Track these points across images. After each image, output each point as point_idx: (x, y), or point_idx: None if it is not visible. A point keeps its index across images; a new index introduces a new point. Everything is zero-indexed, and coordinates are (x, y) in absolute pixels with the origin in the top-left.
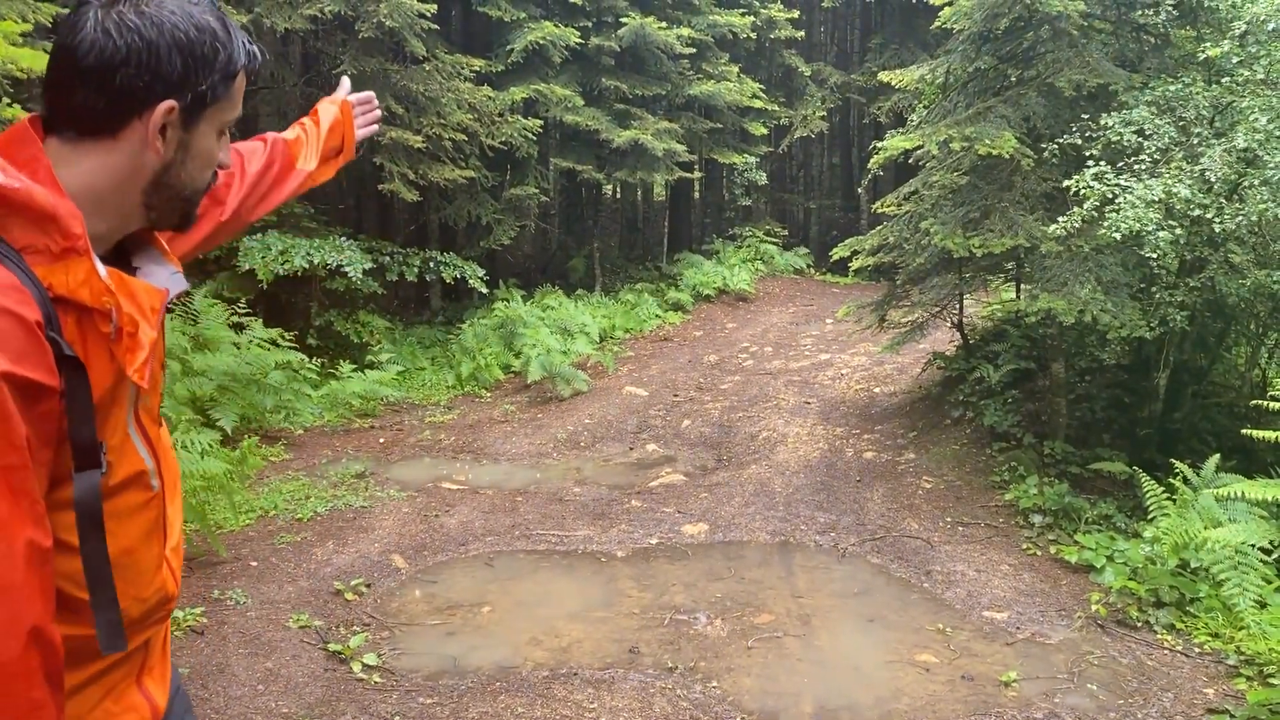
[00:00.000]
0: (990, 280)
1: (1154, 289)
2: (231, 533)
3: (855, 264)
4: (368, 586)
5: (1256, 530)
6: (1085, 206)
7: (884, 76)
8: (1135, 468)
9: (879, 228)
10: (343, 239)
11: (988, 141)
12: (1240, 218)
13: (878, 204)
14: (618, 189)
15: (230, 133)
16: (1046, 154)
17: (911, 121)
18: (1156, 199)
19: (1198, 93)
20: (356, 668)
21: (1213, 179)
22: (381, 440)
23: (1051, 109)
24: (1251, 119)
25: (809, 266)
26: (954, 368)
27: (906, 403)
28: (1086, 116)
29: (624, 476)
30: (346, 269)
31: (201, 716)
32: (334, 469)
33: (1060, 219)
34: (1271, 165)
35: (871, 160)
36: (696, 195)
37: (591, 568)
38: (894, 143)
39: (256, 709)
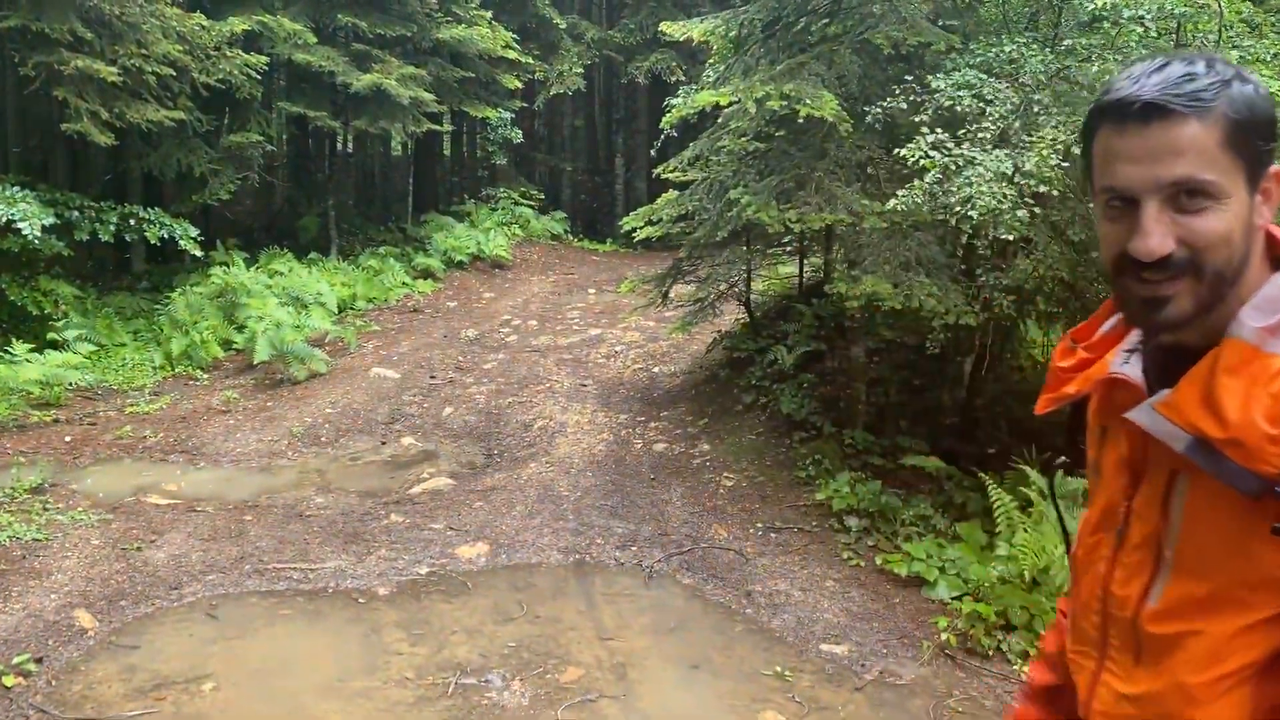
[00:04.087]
0: (771, 255)
1: (978, 271)
2: None
3: (651, 233)
4: (38, 663)
5: None
6: (926, 179)
7: (667, 28)
8: (987, 475)
9: (668, 195)
10: (15, 189)
11: (809, 102)
12: None
13: (661, 168)
14: (348, 140)
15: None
16: (870, 119)
17: (706, 78)
18: (1006, 172)
19: (1032, 56)
20: None
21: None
22: (68, 438)
23: (866, 69)
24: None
25: (566, 232)
26: (741, 348)
27: (690, 384)
28: (910, 79)
29: (378, 479)
30: (20, 225)
31: None
32: (0, 480)
33: (900, 193)
34: None
35: (665, 119)
36: (445, 151)
37: (347, 613)
38: (702, 98)
39: None
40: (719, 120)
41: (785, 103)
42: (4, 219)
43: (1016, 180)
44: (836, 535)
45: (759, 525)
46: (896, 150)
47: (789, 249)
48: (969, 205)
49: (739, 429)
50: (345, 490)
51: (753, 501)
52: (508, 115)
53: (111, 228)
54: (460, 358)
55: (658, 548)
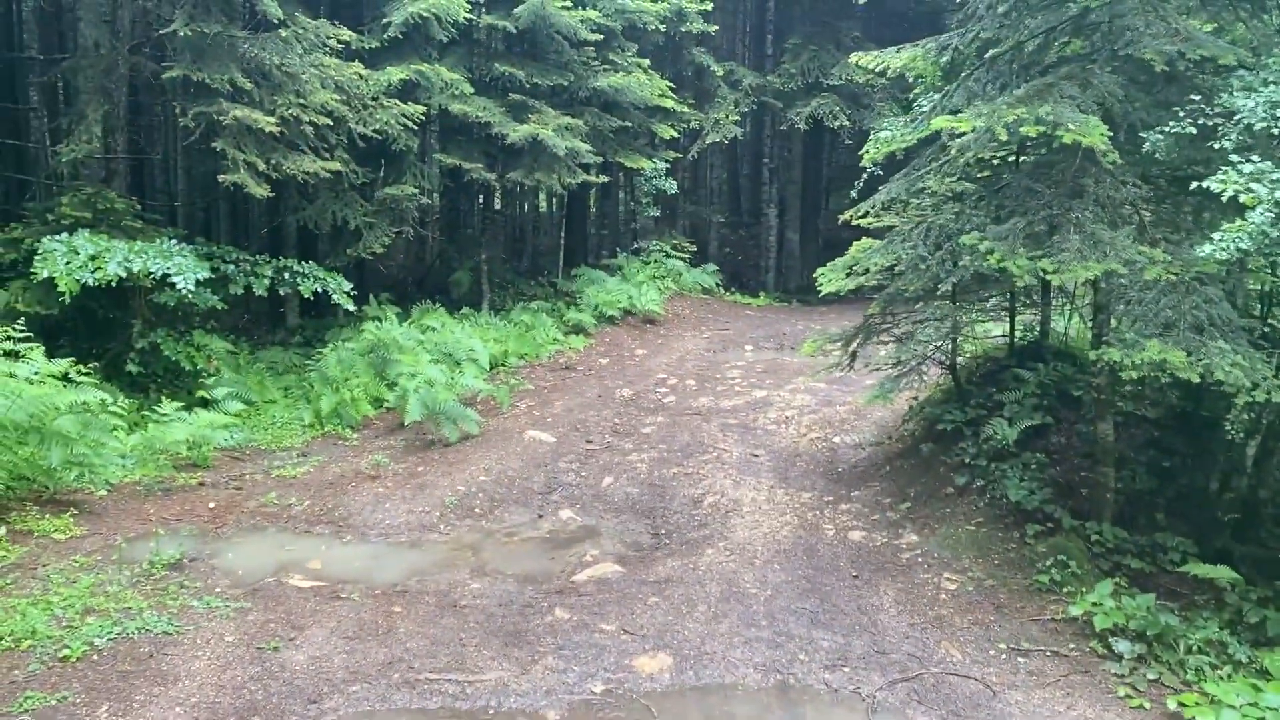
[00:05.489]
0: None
1: None
2: None
3: (843, 285)
4: None
5: None
6: (1255, 217)
7: (859, 60)
8: None
9: (865, 243)
10: (173, 242)
11: (1072, 127)
12: None
13: (849, 213)
14: (498, 193)
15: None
16: (1148, 146)
17: (920, 107)
18: None
19: None
20: None
21: None
22: (212, 505)
23: (1127, 90)
24: None
25: (717, 285)
26: (947, 419)
27: (882, 459)
28: (1199, 98)
29: (537, 560)
30: (175, 279)
31: None
32: (140, 552)
33: (1217, 235)
34: None
35: (867, 154)
36: (592, 204)
37: None
38: (938, 122)
39: None
40: (929, 156)
41: (1043, 128)
42: (160, 272)
43: None
44: (1104, 663)
45: (1001, 645)
46: (1197, 184)
47: (991, 305)
48: None
49: (952, 517)
50: (502, 573)
51: (985, 612)
52: (663, 166)
53: (266, 281)
54: (616, 420)
55: (876, 669)
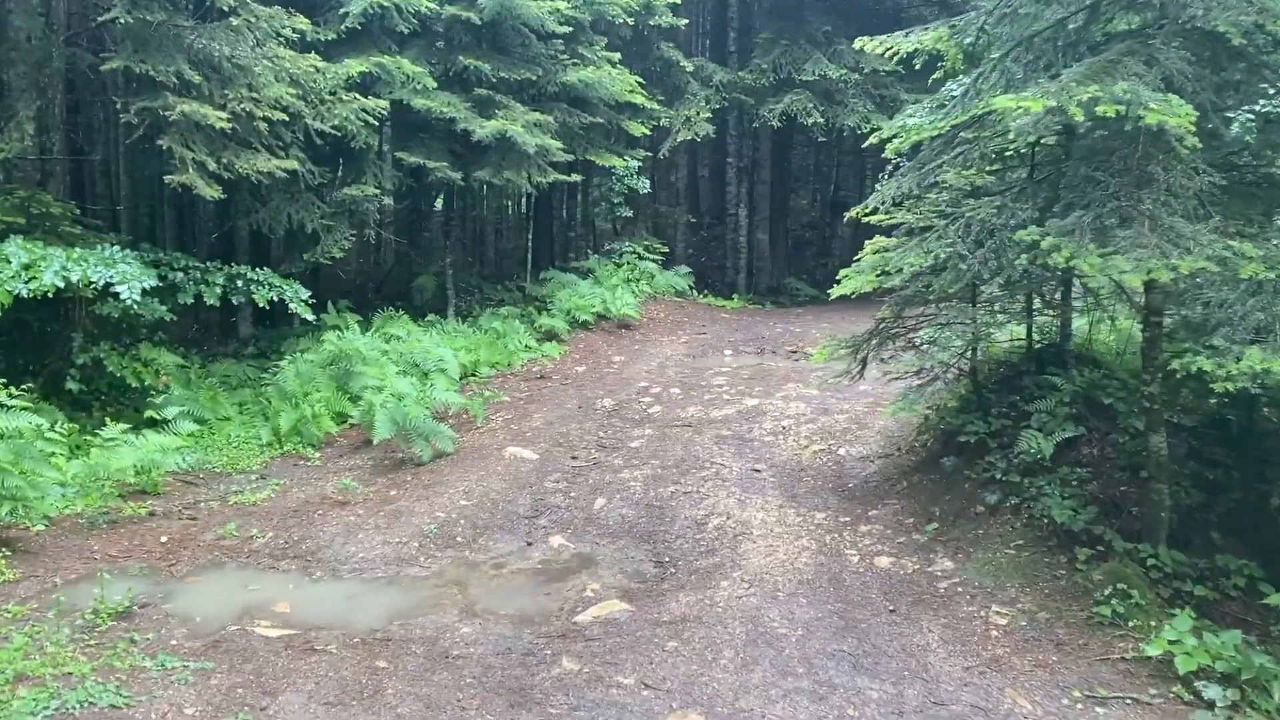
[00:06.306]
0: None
1: None
2: None
3: (858, 285)
4: None
5: None
6: None
7: (865, 44)
8: None
9: (880, 241)
10: (116, 248)
11: (1154, 107)
12: None
13: (856, 210)
14: (458, 193)
15: None
16: (1237, 128)
17: (949, 91)
18: None
19: None
20: None
21: None
22: (164, 538)
23: (1195, 67)
24: None
25: (690, 288)
26: (969, 430)
27: (896, 473)
28: None
29: (532, 597)
30: (119, 289)
31: None
32: (82, 598)
33: None
34: None
35: (891, 145)
36: (563, 204)
37: None
38: (999, 101)
39: None
40: (935, 147)
41: (1120, 108)
42: (102, 281)
43: None
44: (1193, 712)
45: (1075, 693)
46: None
47: (1001, 304)
48: None
49: (988, 539)
50: (495, 614)
51: (1046, 651)
52: (635, 164)
53: (218, 290)
54: (601, 433)
55: None
